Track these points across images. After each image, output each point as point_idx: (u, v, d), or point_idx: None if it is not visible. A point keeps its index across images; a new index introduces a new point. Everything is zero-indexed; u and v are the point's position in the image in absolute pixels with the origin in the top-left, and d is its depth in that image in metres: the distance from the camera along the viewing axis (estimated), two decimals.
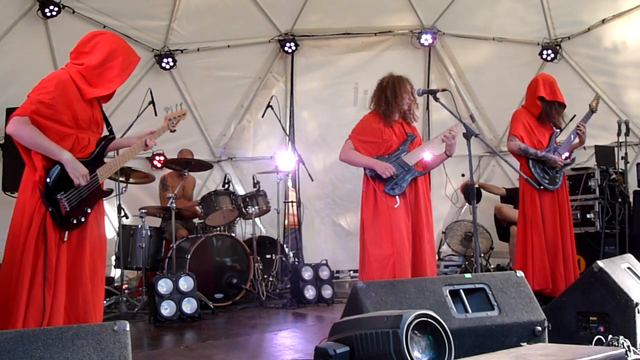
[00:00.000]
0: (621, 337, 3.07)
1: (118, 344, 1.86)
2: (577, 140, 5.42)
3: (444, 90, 4.09)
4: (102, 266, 3.45)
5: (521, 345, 2.83)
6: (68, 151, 3.25)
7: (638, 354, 3.08)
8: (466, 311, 2.90)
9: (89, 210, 3.34)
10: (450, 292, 2.94)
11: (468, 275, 3.07)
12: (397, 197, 4.38)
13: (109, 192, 3.54)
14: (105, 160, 3.53)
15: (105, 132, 3.60)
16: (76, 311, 3.23)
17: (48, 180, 3.19)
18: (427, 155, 4.63)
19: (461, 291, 2.96)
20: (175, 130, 3.90)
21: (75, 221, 3.26)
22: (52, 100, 3.19)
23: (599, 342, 3.11)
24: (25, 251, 3.08)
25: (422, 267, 4.39)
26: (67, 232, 3.23)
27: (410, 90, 4.61)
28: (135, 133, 7.59)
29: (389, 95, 4.55)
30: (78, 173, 3.25)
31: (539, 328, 2.98)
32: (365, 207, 4.54)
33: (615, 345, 3.00)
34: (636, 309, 3.26)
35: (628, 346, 3.01)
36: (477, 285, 3.02)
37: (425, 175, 4.65)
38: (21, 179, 3.32)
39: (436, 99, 4.06)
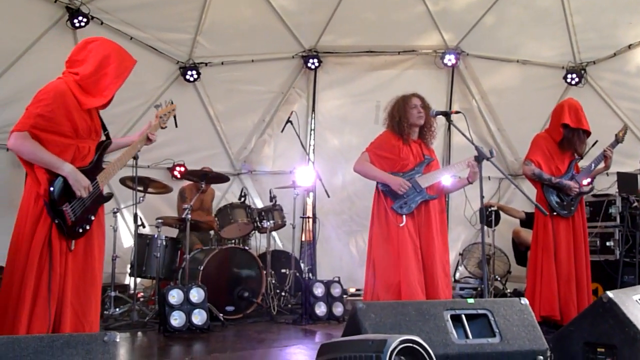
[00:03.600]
0: None
1: (107, 354, 1.88)
2: (602, 165, 5.38)
3: (457, 112, 4.09)
4: (100, 273, 3.48)
5: None
6: (69, 163, 3.28)
7: None
8: (467, 337, 2.89)
9: (92, 218, 3.39)
10: (452, 316, 2.93)
11: (471, 301, 3.05)
12: (404, 216, 4.36)
13: (109, 197, 3.56)
14: (105, 164, 3.57)
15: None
16: (82, 318, 3.27)
17: (53, 193, 3.22)
18: (446, 179, 4.61)
19: (463, 316, 2.95)
20: (166, 127, 3.89)
21: (81, 230, 3.31)
22: (51, 113, 3.23)
23: None
24: (28, 262, 3.11)
25: (434, 291, 4.34)
26: (73, 241, 3.28)
27: (418, 104, 4.63)
28: (170, 147, 7.73)
29: (395, 111, 4.62)
30: (80, 185, 3.29)
31: (541, 357, 2.94)
32: (377, 222, 4.56)
33: None
34: None
35: None
36: (480, 311, 3.00)
37: (441, 197, 4.64)
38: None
39: (449, 121, 4.06)
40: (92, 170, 3.43)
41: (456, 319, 2.92)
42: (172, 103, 3.92)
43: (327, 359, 2.05)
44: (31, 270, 3.10)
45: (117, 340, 1.93)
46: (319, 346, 4.74)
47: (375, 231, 4.56)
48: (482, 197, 3.87)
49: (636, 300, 3.56)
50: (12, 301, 3.07)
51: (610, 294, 3.36)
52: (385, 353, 1.83)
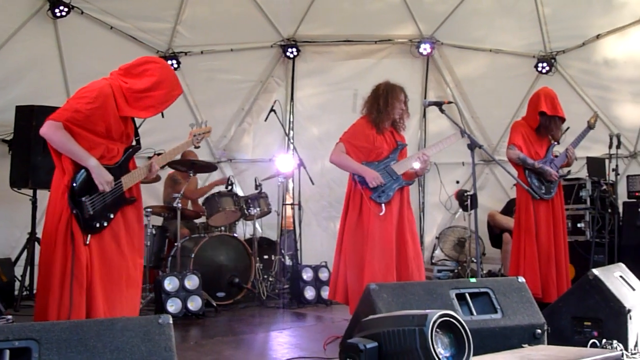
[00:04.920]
0: (615, 341, 3.26)
1: (163, 335, 2.02)
2: (566, 161, 5.63)
3: (450, 102, 4.27)
4: (139, 271, 3.59)
5: (523, 347, 3.01)
6: (95, 158, 3.37)
7: (630, 358, 3.28)
8: (471, 313, 3.08)
9: (111, 216, 3.47)
10: (457, 295, 3.12)
11: (473, 280, 3.26)
12: (382, 205, 4.49)
13: (133, 200, 3.63)
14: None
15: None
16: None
17: (74, 183, 3.32)
18: (416, 164, 4.74)
19: (467, 295, 3.14)
20: (199, 147, 4.09)
21: (97, 225, 3.39)
22: (89, 112, 3.34)
23: (593, 346, 3.29)
24: (55, 250, 3.22)
25: (408, 274, 4.48)
26: (89, 236, 3.35)
27: (403, 100, 4.75)
28: (150, 136, 7.71)
29: (382, 103, 4.68)
30: (102, 179, 3.38)
31: (539, 331, 3.16)
32: (351, 211, 4.62)
33: (609, 349, 3.19)
34: (628, 315, 3.46)
35: (621, 350, 3.20)
36: (482, 290, 3.21)
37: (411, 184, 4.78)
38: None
39: (442, 111, 4.23)
40: (117, 170, 3.53)
41: (461, 297, 3.12)
42: (206, 125, 4.04)
43: (371, 334, 2.21)
44: (57, 260, 3.20)
45: (170, 322, 2.06)
46: (313, 327, 4.95)
47: (347, 221, 4.63)
48: (474, 183, 4.08)
49: (618, 277, 3.83)
50: (45, 289, 3.17)
51: (595, 271, 3.61)
52: (428, 326, 2.01)
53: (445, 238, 8.24)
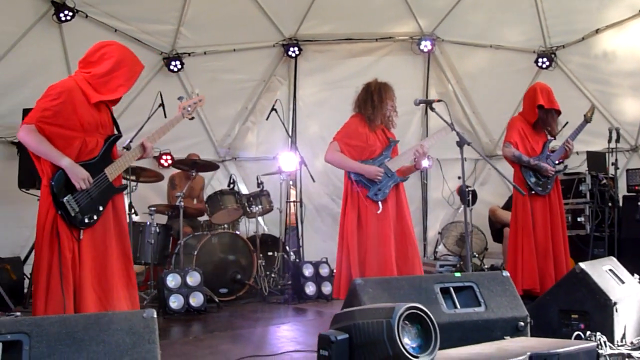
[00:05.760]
0: (598, 333, 3.33)
1: (147, 328, 2.13)
2: (564, 153, 5.67)
3: (439, 100, 4.35)
4: (130, 260, 3.72)
5: (504, 339, 3.10)
6: (68, 157, 3.46)
7: (614, 349, 3.36)
8: (455, 307, 3.17)
9: (101, 209, 3.58)
10: (441, 289, 3.20)
11: (458, 274, 3.35)
12: (379, 203, 4.57)
13: (122, 188, 3.75)
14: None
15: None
16: (106, 304, 3.49)
17: (53, 185, 3.43)
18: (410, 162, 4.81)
19: (451, 289, 3.22)
20: (193, 118, 4.07)
21: (87, 220, 3.51)
22: (57, 107, 3.43)
23: (577, 338, 3.38)
24: (42, 249, 3.37)
25: (410, 269, 4.56)
26: (82, 231, 3.48)
27: (393, 98, 4.82)
28: (145, 134, 7.88)
29: (376, 99, 4.74)
30: (78, 177, 3.47)
31: (522, 323, 3.24)
32: (351, 210, 4.66)
33: (592, 341, 3.27)
34: (614, 307, 3.53)
35: (604, 342, 3.27)
36: (466, 284, 3.29)
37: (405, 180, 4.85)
38: (33, 177, 3.61)
39: (432, 109, 4.32)
40: (99, 163, 3.62)
41: (445, 291, 3.20)
42: (198, 95, 4.08)
43: (342, 327, 2.32)
44: (44, 257, 3.35)
45: (154, 316, 2.18)
46: (312, 322, 5.05)
47: (348, 221, 4.67)
48: (464, 180, 4.17)
49: (606, 271, 3.90)
50: (34, 286, 3.37)
51: (582, 265, 3.68)
52: (394, 318, 2.11)
53: (448, 233, 8.31)
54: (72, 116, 3.50)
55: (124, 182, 5.67)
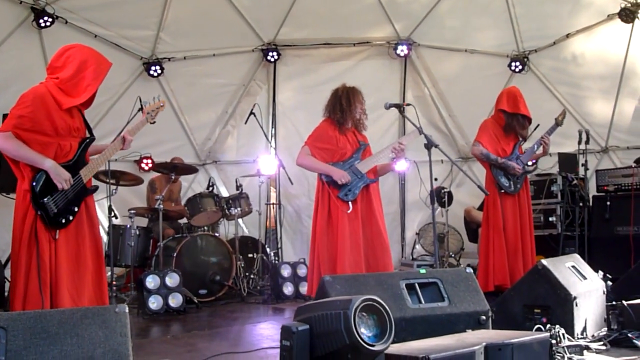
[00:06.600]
0: (557, 326, 3.49)
1: (119, 322, 2.25)
2: (541, 150, 5.84)
3: (408, 105, 4.51)
4: (95, 261, 3.81)
5: (466, 332, 3.25)
6: (50, 159, 3.59)
7: (572, 341, 3.52)
8: (420, 302, 3.32)
9: (76, 209, 3.71)
10: (407, 285, 3.35)
11: (423, 271, 3.49)
12: (349, 202, 4.73)
13: (94, 190, 3.87)
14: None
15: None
16: (79, 303, 3.60)
17: (35, 186, 3.55)
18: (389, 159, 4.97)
19: (416, 285, 3.37)
20: (154, 122, 4.17)
21: (64, 220, 3.64)
22: (31, 114, 3.54)
23: (537, 330, 3.54)
24: (20, 250, 3.48)
25: (377, 266, 4.72)
26: (57, 231, 3.61)
27: (362, 101, 4.97)
28: (135, 140, 7.94)
29: (344, 104, 4.91)
30: (61, 178, 3.61)
31: (484, 317, 3.40)
32: (321, 211, 4.82)
33: (551, 332, 3.42)
34: (574, 302, 3.70)
35: (563, 334, 3.43)
36: (431, 280, 3.44)
37: (376, 182, 4.99)
38: (14, 181, 3.70)
39: (401, 113, 4.47)
40: (75, 165, 3.75)
41: (410, 287, 3.35)
42: (159, 99, 4.19)
43: (303, 318, 2.46)
44: (22, 259, 3.46)
45: (126, 311, 2.30)
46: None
47: (319, 220, 4.82)
48: (431, 180, 4.32)
49: (568, 267, 4.07)
50: (12, 286, 3.48)
51: (544, 261, 3.86)
52: (351, 309, 2.25)
53: (426, 234, 8.47)
54: (45, 122, 3.61)
55: (100, 184, 5.81)
